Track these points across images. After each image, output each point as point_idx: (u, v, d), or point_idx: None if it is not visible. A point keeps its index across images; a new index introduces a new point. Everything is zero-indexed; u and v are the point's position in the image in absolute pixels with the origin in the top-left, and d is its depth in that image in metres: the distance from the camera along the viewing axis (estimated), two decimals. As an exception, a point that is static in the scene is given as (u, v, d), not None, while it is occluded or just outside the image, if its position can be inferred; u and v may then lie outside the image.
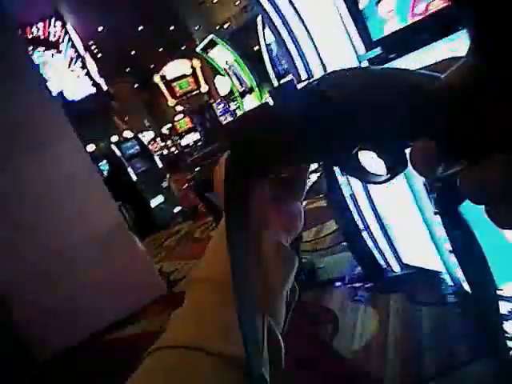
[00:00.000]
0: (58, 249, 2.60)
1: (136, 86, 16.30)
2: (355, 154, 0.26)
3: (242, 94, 7.88)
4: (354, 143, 0.25)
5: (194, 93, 9.52)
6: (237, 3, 12.67)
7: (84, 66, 10.22)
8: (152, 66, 15.42)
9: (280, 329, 0.31)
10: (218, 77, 11.45)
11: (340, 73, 0.24)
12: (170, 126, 12.53)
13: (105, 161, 6.41)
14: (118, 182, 5.51)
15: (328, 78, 0.25)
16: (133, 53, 14.54)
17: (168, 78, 9.09)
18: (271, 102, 0.33)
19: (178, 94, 9.24)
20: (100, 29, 11.31)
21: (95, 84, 10.36)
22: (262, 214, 0.33)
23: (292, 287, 0.33)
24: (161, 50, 14.15)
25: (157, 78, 9.12)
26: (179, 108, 9.65)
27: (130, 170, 5.59)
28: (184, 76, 9.27)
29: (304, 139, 0.25)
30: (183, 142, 8.85)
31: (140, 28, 12.72)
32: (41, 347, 2.56)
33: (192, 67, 9.36)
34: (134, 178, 5.57)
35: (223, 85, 11.17)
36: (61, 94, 9.95)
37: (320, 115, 0.24)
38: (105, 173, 6.12)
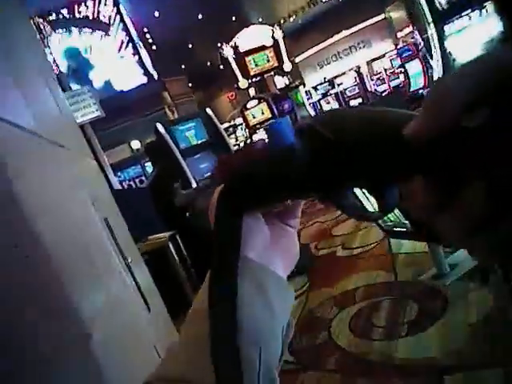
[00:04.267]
0: None
1: (190, 84, 14.89)
2: (348, 190, 0.27)
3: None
4: (348, 182, 0.26)
5: (272, 72, 7.36)
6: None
7: (135, 53, 8.75)
8: (208, 63, 13.91)
9: (275, 365, 0.31)
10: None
11: (335, 113, 0.26)
12: (228, 124, 10.65)
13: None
14: (167, 197, 3.30)
15: (323, 119, 0.26)
16: (190, 46, 13.10)
17: (241, 49, 6.99)
18: (266, 140, 0.31)
19: (252, 73, 7.15)
20: (156, 14, 9.82)
21: (147, 73, 8.85)
22: (255, 246, 0.33)
23: (288, 322, 0.33)
24: (219, 45, 12.58)
25: (227, 50, 7.13)
26: (252, 92, 7.54)
27: (188, 172, 3.54)
28: (262, 48, 7.10)
29: (300, 179, 0.27)
30: (257, 138, 6.76)
31: (199, 17, 11.17)
32: None
33: (273, 37, 7.16)
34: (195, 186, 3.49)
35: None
36: (108, 83, 8.54)
37: (317, 156, 0.25)
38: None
